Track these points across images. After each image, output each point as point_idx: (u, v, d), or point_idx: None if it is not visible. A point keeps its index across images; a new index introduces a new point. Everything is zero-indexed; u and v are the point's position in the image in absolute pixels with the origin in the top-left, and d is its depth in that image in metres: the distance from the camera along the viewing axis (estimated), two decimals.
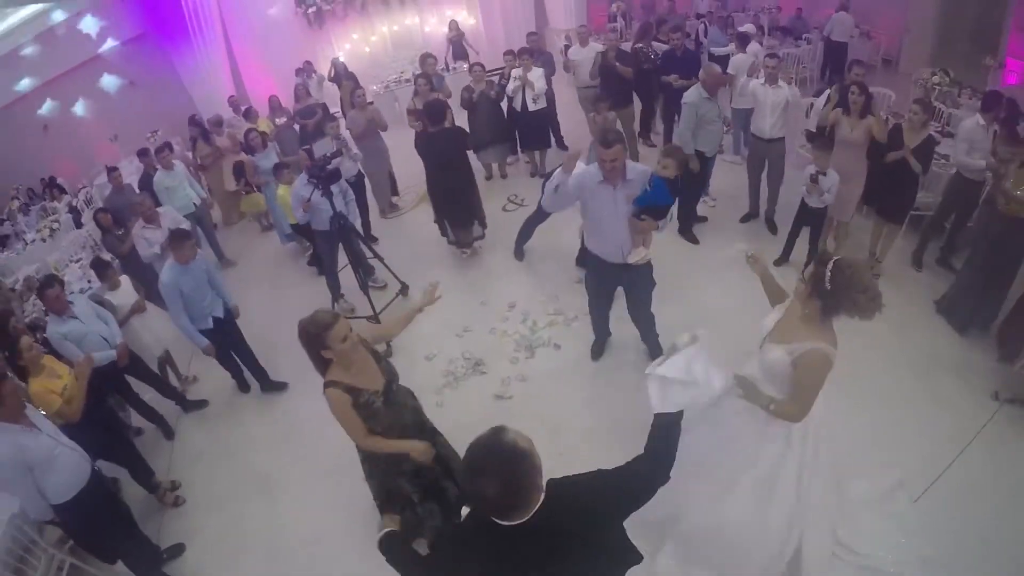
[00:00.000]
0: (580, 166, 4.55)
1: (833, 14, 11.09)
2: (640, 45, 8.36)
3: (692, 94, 6.22)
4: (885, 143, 5.39)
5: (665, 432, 2.30)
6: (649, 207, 4.12)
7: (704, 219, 7.00)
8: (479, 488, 1.80)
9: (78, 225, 9.27)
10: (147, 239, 5.83)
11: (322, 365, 3.07)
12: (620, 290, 4.88)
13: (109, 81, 12.39)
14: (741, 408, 3.17)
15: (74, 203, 10.22)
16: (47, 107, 11.97)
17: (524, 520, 1.86)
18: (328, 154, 5.59)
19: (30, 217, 10.46)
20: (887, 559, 3.48)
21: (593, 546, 2.01)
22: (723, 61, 10.12)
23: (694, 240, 6.75)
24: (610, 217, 4.24)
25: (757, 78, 6.59)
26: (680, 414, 2.35)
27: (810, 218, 5.73)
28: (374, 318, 5.78)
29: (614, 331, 5.27)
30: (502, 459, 1.81)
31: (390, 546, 2.33)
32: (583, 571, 2.02)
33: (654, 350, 5.05)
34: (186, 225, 6.23)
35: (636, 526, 2.24)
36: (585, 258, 6.07)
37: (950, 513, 3.73)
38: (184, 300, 4.90)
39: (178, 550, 4.41)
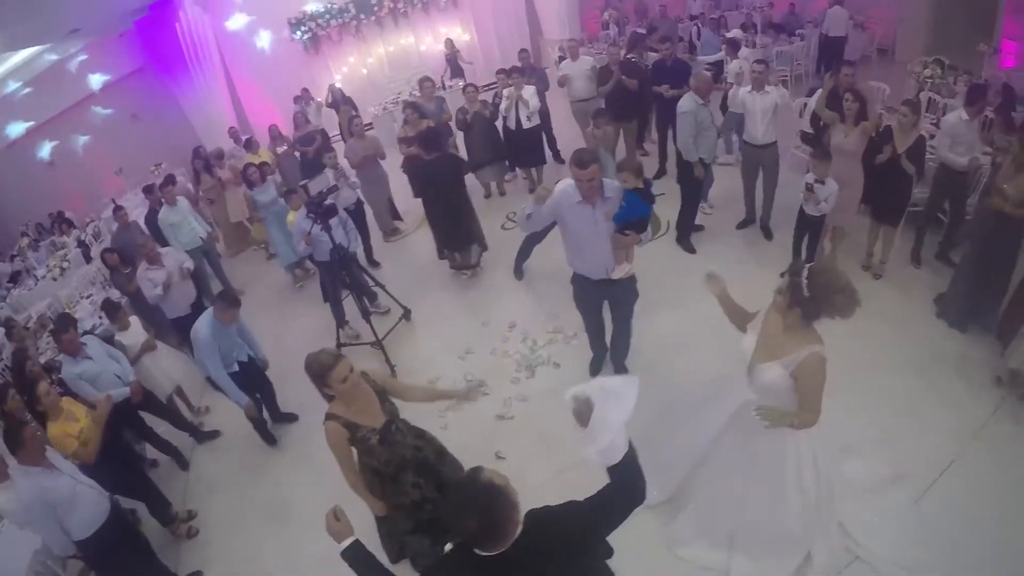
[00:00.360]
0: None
1: (827, 8, 11.14)
2: (631, 56, 8.46)
3: (688, 102, 6.27)
4: (876, 145, 5.44)
5: (624, 470, 2.32)
6: (629, 221, 4.18)
7: (701, 228, 7.08)
8: (460, 525, 2.00)
9: (87, 259, 9.46)
10: (151, 279, 5.91)
11: (328, 397, 3.23)
12: None
13: (112, 115, 12.62)
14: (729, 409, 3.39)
15: (83, 237, 10.41)
16: (52, 143, 12.21)
17: (503, 550, 2.03)
18: (324, 190, 5.72)
19: (40, 253, 10.67)
20: (881, 557, 3.57)
21: (572, 569, 2.18)
22: (717, 63, 10.27)
23: (691, 250, 6.82)
24: (591, 236, 4.25)
25: (744, 85, 6.62)
26: (634, 455, 2.34)
27: (809, 225, 5.79)
28: (377, 344, 5.90)
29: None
30: (480, 498, 1.99)
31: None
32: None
33: (619, 365, 5.21)
34: (189, 264, 6.37)
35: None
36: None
37: (951, 514, 3.77)
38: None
39: None
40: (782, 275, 3.07)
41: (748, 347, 3.24)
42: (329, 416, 3.18)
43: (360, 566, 2.55)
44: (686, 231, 6.86)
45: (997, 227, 4.78)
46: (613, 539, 2.38)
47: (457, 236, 6.80)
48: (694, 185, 6.66)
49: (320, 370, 3.10)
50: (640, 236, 4.27)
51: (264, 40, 12.90)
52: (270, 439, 5.59)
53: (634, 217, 4.17)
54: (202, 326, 4.82)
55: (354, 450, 3.29)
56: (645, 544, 3.73)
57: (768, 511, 3.46)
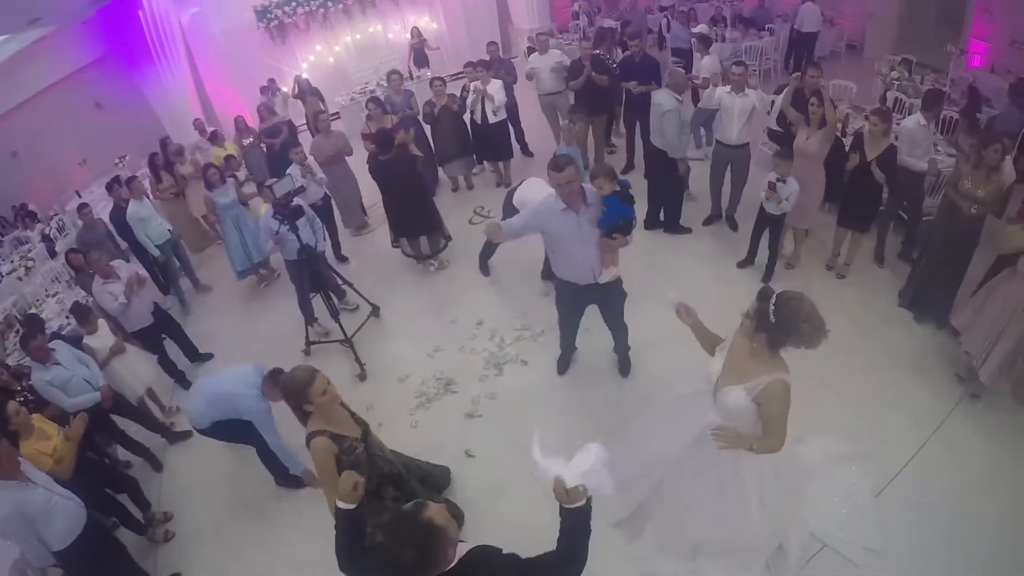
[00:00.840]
0: (536, 196, 4.75)
1: (799, 4, 11.19)
2: (598, 52, 8.53)
3: (668, 100, 6.34)
4: (845, 152, 5.60)
5: (576, 532, 2.37)
6: (614, 224, 4.25)
7: (689, 230, 7.14)
8: (398, 553, 2.14)
9: (52, 255, 9.33)
10: (111, 292, 5.81)
11: (303, 416, 3.24)
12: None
13: (75, 105, 12.32)
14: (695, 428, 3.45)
15: (47, 231, 10.25)
16: (14, 134, 11.92)
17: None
18: (290, 191, 5.73)
19: (3, 248, 10.48)
20: (849, 542, 3.77)
21: None
22: (686, 54, 10.36)
23: (686, 230, 7.08)
24: (578, 242, 4.30)
25: (723, 85, 6.58)
26: (589, 512, 2.39)
27: (769, 223, 5.92)
28: (347, 342, 5.97)
29: (578, 344, 5.45)
30: (420, 534, 2.14)
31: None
32: None
33: (623, 360, 5.32)
34: (143, 272, 6.40)
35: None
36: (550, 277, 6.32)
37: (909, 509, 3.97)
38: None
39: None
40: (763, 281, 3.07)
41: (715, 370, 3.27)
42: (314, 433, 3.18)
43: (348, 527, 2.64)
44: (675, 219, 7.02)
45: (954, 226, 4.96)
46: None
47: (413, 225, 6.92)
48: (676, 178, 6.81)
49: (299, 386, 3.14)
50: (627, 238, 4.36)
51: (229, 28, 12.67)
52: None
53: (618, 220, 4.24)
54: (260, 404, 4.38)
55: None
56: (611, 562, 3.84)
57: (731, 525, 3.55)
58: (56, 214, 11.11)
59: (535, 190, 5.66)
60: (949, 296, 5.20)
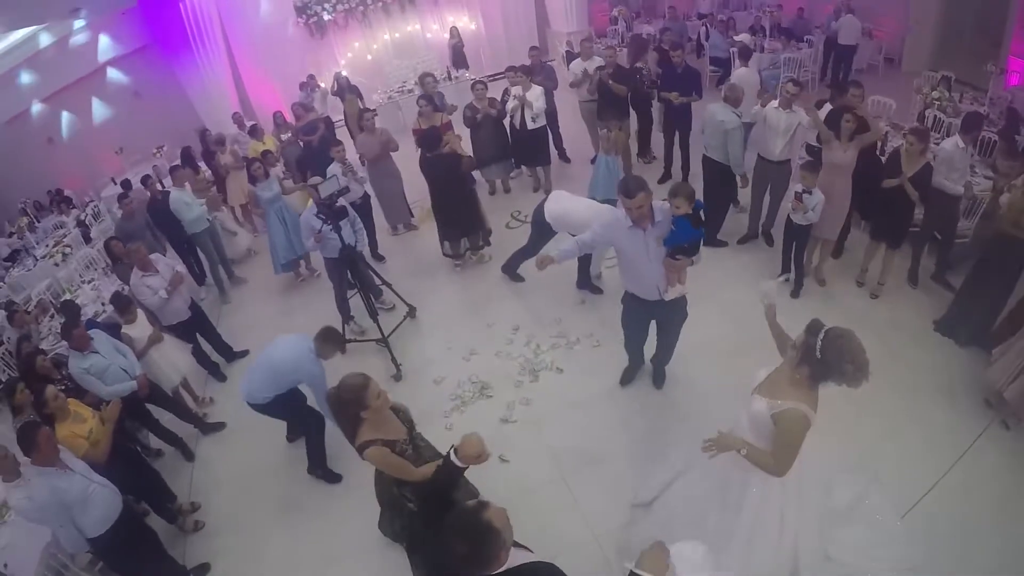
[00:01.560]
0: (571, 208, 4.89)
1: (837, 15, 11.03)
2: (639, 64, 8.46)
3: (731, 117, 6.35)
4: (882, 168, 5.51)
5: None
6: (680, 246, 4.22)
7: (725, 244, 7.06)
8: (452, 546, 2.15)
9: (87, 240, 9.45)
10: (149, 287, 5.86)
11: (352, 428, 3.20)
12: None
13: (114, 93, 12.50)
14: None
15: (82, 217, 10.39)
16: (52, 120, 12.09)
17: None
18: (335, 192, 5.72)
19: (38, 232, 10.62)
20: (871, 567, 3.65)
21: None
22: (724, 63, 10.26)
23: (723, 243, 7.02)
24: (643, 259, 4.30)
25: (772, 102, 6.40)
26: None
27: (796, 235, 5.87)
28: (383, 341, 5.96)
29: (608, 356, 5.42)
30: (476, 531, 2.15)
31: None
32: None
33: (659, 373, 5.29)
34: (182, 268, 6.38)
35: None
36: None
37: (935, 528, 3.90)
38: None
39: (204, 570, 4.63)
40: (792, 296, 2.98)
41: (760, 376, 3.29)
42: (365, 445, 3.16)
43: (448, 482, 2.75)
44: (713, 235, 6.93)
45: (1000, 249, 4.89)
46: None
47: (455, 225, 6.94)
48: (731, 192, 6.81)
49: (356, 391, 3.11)
50: (692, 259, 4.32)
51: (270, 23, 12.76)
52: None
53: (685, 242, 4.20)
54: (319, 366, 4.63)
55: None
56: None
57: (751, 543, 3.47)
58: (91, 200, 11.24)
59: (563, 203, 5.76)
60: (990, 320, 5.13)
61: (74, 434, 4.31)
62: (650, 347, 5.17)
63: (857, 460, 4.25)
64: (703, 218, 4.25)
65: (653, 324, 4.92)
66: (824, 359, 2.87)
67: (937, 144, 6.30)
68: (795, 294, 6.04)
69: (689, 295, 5.18)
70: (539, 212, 6.02)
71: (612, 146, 6.68)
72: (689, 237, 4.19)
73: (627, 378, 5.41)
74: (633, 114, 8.52)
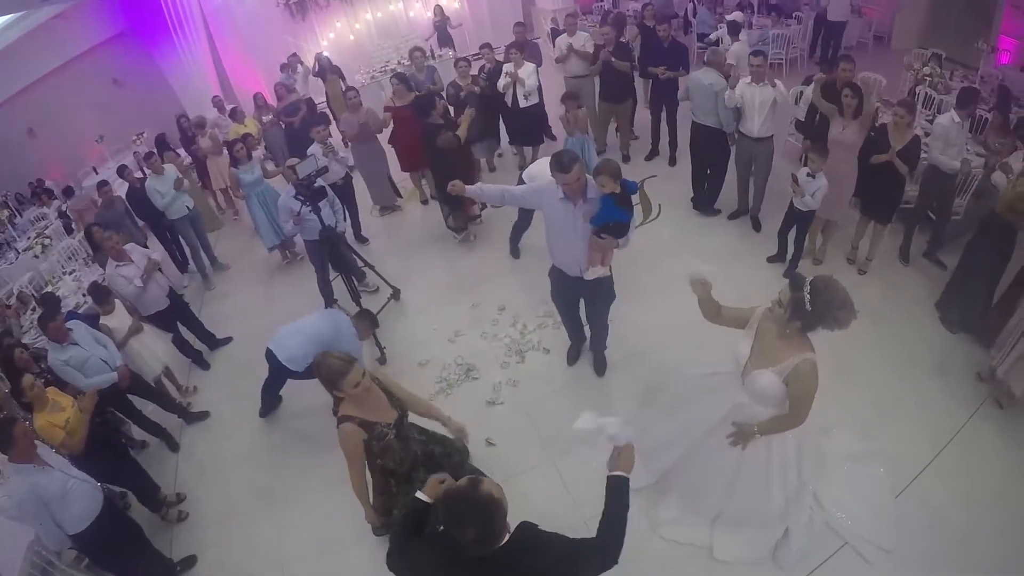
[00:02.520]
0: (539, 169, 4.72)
1: None
2: (622, 40, 8.33)
3: (718, 79, 6.34)
4: (872, 143, 5.43)
5: (616, 507, 2.42)
6: (606, 225, 4.10)
7: (719, 211, 7.07)
8: (460, 533, 2.12)
9: (68, 231, 9.32)
10: (124, 276, 5.77)
11: (336, 400, 3.23)
12: None
13: (92, 81, 12.25)
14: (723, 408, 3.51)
15: (63, 208, 10.23)
16: (31, 110, 11.87)
17: (488, 553, 2.17)
18: (313, 172, 5.61)
19: (20, 225, 10.46)
20: (859, 535, 3.76)
21: None
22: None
23: (717, 212, 7.05)
24: (569, 233, 4.23)
25: (744, 78, 6.34)
26: (627, 484, 2.47)
27: (798, 218, 5.78)
28: None
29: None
30: (480, 509, 2.11)
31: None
32: None
33: (598, 359, 5.24)
34: (157, 256, 6.23)
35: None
36: (515, 250, 6.28)
37: (928, 508, 3.89)
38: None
39: (190, 562, 4.57)
40: (784, 275, 3.07)
41: (743, 352, 3.30)
42: (344, 418, 3.15)
43: (415, 520, 2.58)
44: (711, 203, 6.97)
45: (992, 231, 4.87)
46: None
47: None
48: (723, 158, 6.75)
49: (331, 375, 3.08)
50: (618, 241, 4.19)
51: (249, 5, 12.54)
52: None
53: (610, 221, 4.07)
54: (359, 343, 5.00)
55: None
56: (632, 527, 3.78)
57: (752, 496, 3.63)
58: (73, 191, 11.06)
59: (540, 166, 5.55)
60: (985, 301, 5.07)
61: (51, 423, 4.28)
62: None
63: (854, 435, 4.27)
64: (630, 200, 4.09)
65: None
66: (815, 310, 2.94)
67: (929, 121, 6.22)
68: (788, 273, 5.92)
69: (665, 266, 5.11)
70: (520, 180, 5.84)
71: (574, 126, 6.60)
72: (614, 217, 4.06)
73: (572, 357, 5.40)
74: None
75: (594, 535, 2.35)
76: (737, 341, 3.37)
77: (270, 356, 4.99)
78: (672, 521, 3.97)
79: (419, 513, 2.54)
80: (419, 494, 2.57)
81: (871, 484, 4.00)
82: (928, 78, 7.88)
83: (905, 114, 5.22)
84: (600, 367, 5.25)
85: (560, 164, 3.89)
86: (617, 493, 2.44)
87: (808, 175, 5.40)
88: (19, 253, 9.11)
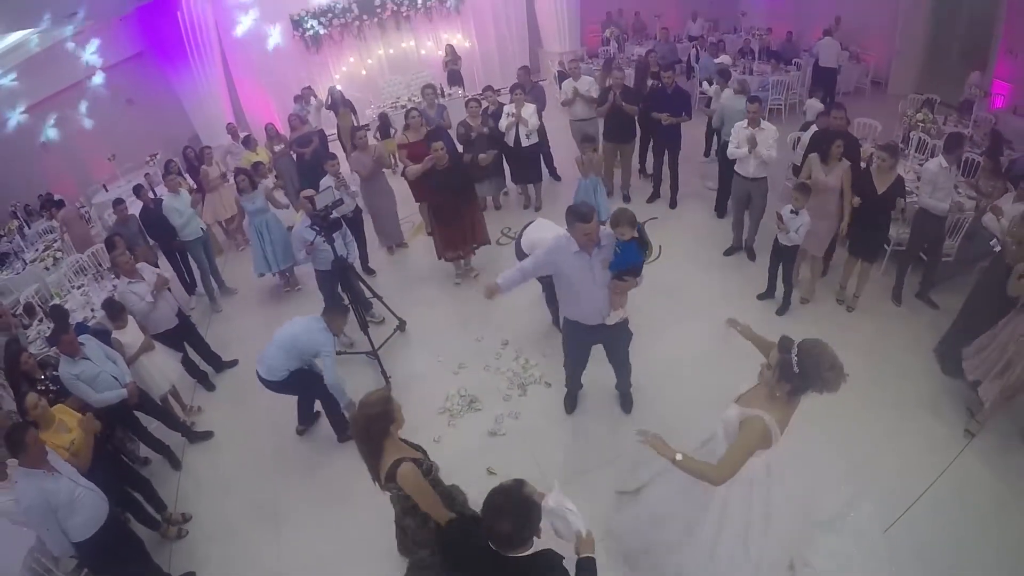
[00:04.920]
0: (547, 237, 4.77)
1: (822, 36, 11.34)
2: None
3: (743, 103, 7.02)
4: (858, 186, 5.68)
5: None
6: (625, 268, 4.28)
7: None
8: (495, 524, 2.29)
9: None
10: (136, 293, 5.92)
11: (377, 450, 3.11)
12: None
13: (107, 99, 12.46)
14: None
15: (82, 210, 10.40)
16: (45, 124, 12.05)
17: (518, 556, 2.34)
18: (330, 204, 5.80)
19: (28, 237, 10.57)
20: None
21: None
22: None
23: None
24: (588, 283, 4.32)
25: (742, 121, 6.75)
26: (594, 561, 2.63)
27: (783, 254, 6.02)
28: (373, 354, 6.03)
29: (592, 373, 5.39)
30: (518, 505, 2.31)
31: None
32: None
33: (625, 397, 5.34)
34: (165, 274, 6.38)
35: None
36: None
37: (919, 543, 4.01)
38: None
39: None
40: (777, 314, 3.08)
41: (741, 389, 3.38)
42: (398, 461, 3.05)
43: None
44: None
45: (997, 279, 4.85)
46: None
47: (454, 231, 7.01)
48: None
49: (384, 405, 3.06)
50: (637, 280, 4.38)
51: (265, 35, 12.84)
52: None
53: (630, 264, 4.28)
54: (329, 335, 5.09)
55: None
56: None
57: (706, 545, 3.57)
58: (83, 206, 11.21)
59: (544, 232, 5.67)
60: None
61: (55, 444, 4.24)
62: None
63: (843, 474, 4.28)
64: (648, 241, 4.33)
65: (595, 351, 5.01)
66: (803, 372, 2.96)
67: (921, 165, 6.48)
68: (781, 312, 6.20)
69: (674, 311, 5.22)
70: (518, 240, 5.95)
71: (589, 168, 6.83)
72: (634, 259, 4.28)
73: (570, 405, 5.46)
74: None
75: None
76: (729, 372, 3.50)
77: (258, 376, 5.17)
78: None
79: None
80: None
81: (860, 524, 3.99)
82: (921, 124, 8.21)
83: (887, 157, 5.49)
84: (627, 405, 5.33)
85: (580, 215, 4.01)
86: (587, 572, 2.60)
87: (792, 212, 5.64)
88: (26, 264, 9.20)
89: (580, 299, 4.48)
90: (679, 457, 3.13)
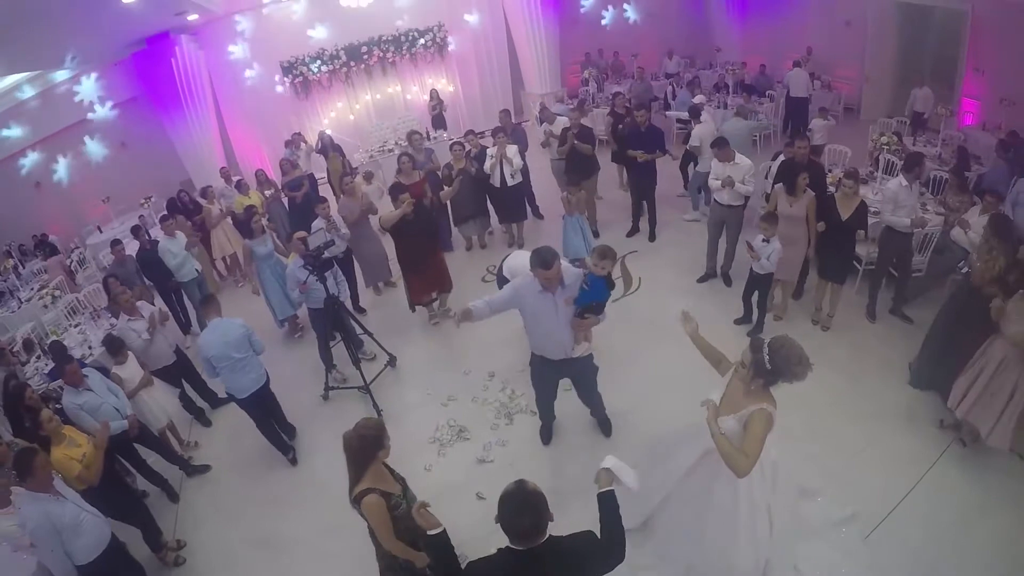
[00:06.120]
0: (518, 263, 5.07)
1: (792, 68, 11.85)
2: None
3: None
4: (823, 212, 6.04)
5: (611, 514, 2.92)
6: (588, 305, 4.54)
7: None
8: (517, 523, 2.56)
9: (71, 286, 9.65)
10: (134, 330, 6.18)
11: (359, 473, 3.33)
12: None
13: (101, 141, 12.75)
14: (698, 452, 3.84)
15: (69, 263, 10.60)
16: (39, 165, 12.26)
17: (536, 544, 2.60)
18: (323, 244, 6.11)
19: (23, 276, 10.74)
20: None
21: None
22: (688, 121, 10.86)
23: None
24: (551, 321, 4.53)
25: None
26: (614, 496, 2.97)
27: (758, 283, 6.35)
28: (365, 388, 6.27)
29: (571, 403, 5.62)
30: (531, 501, 2.59)
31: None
32: None
33: (603, 423, 5.60)
34: (164, 311, 6.75)
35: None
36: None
37: (899, 548, 4.22)
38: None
39: None
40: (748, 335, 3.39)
41: (715, 399, 3.67)
42: (367, 491, 3.26)
43: (441, 551, 2.97)
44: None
45: (969, 299, 5.03)
46: None
47: (420, 277, 7.26)
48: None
49: (378, 431, 3.30)
50: (598, 317, 4.68)
51: (256, 82, 13.22)
52: (287, 449, 6.05)
53: (595, 300, 4.56)
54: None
55: None
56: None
57: (720, 548, 3.87)
58: (77, 247, 11.44)
59: (523, 259, 5.86)
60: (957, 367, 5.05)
61: (68, 456, 4.53)
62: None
63: (823, 484, 4.54)
64: (613, 281, 4.69)
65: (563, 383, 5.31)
66: (774, 368, 3.33)
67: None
68: (754, 333, 6.44)
69: (655, 337, 5.41)
70: (499, 272, 6.25)
71: (574, 207, 7.19)
72: (599, 296, 4.57)
73: (546, 436, 5.66)
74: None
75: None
76: (709, 391, 3.76)
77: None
78: (647, 567, 4.20)
79: (446, 545, 2.95)
80: (430, 532, 2.95)
81: (848, 543, 4.24)
82: (886, 147, 8.66)
83: (853, 184, 5.86)
84: (607, 429, 5.58)
85: (543, 262, 4.20)
86: (609, 504, 2.94)
87: (763, 240, 5.98)
88: (22, 302, 9.38)
89: (544, 335, 4.70)
90: (720, 436, 3.46)
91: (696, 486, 3.93)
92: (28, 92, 11.59)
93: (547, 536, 2.64)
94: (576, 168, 8.53)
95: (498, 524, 2.60)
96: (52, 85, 11.79)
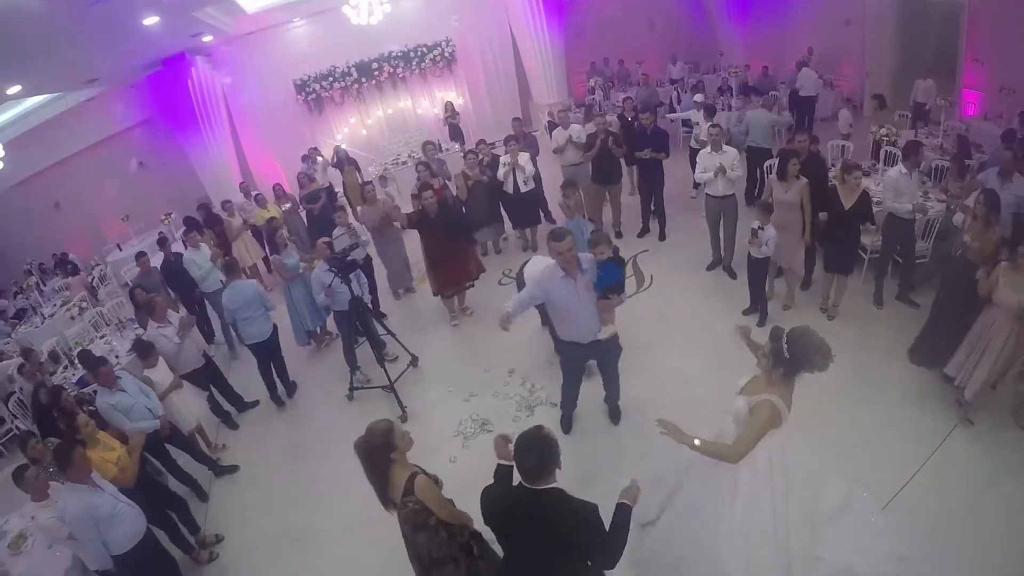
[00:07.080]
0: (537, 268, 5.24)
1: (796, 70, 12.06)
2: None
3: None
4: (826, 203, 6.14)
5: (622, 525, 3.04)
6: (608, 286, 4.73)
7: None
8: (524, 460, 2.85)
9: (93, 302, 9.86)
10: (165, 335, 6.32)
11: (384, 476, 3.35)
12: None
13: (120, 162, 13.05)
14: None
15: (90, 280, 10.82)
16: (58, 185, 12.54)
17: (543, 488, 2.87)
18: (347, 247, 6.31)
19: (45, 293, 10.98)
20: (860, 561, 3.98)
21: (560, 544, 2.94)
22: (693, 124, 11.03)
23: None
24: (577, 305, 4.74)
25: (706, 147, 7.37)
26: (630, 511, 3.10)
27: (757, 267, 6.49)
28: (389, 387, 6.42)
29: (588, 396, 5.76)
30: (540, 442, 2.87)
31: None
32: (549, 556, 2.97)
33: (614, 411, 5.75)
34: (191, 317, 7.07)
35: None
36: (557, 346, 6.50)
37: (917, 517, 4.30)
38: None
39: None
40: (758, 325, 3.46)
41: (743, 381, 3.75)
42: (413, 475, 3.31)
43: (506, 476, 3.30)
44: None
45: (961, 274, 5.13)
46: None
47: (447, 271, 7.46)
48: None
49: (385, 436, 3.29)
50: (621, 296, 4.87)
51: (270, 100, 13.52)
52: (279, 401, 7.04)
53: (612, 282, 4.75)
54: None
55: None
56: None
57: (707, 543, 3.83)
58: (97, 264, 11.67)
59: (541, 264, 6.02)
60: (956, 342, 5.18)
61: (104, 459, 4.65)
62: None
63: (836, 468, 4.51)
64: (622, 258, 4.89)
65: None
66: (793, 356, 3.37)
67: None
68: (761, 323, 6.55)
69: (668, 331, 5.51)
70: (520, 273, 6.47)
71: (572, 210, 7.35)
72: (614, 276, 4.76)
73: (566, 426, 5.76)
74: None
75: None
76: (714, 386, 3.89)
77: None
78: (641, 561, 4.24)
79: (508, 474, 3.24)
80: (500, 461, 3.33)
81: (859, 514, 4.20)
82: (885, 138, 8.78)
83: (860, 175, 5.98)
84: (616, 417, 5.73)
85: (555, 235, 4.53)
86: (623, 516, 3.07)
87: (760, 228, 6.13)
88: (45, 318, 9.59)
89: (571, 320, 4.90)
90: (697, 442, 3.49)
91: (696, 481, 3.98)
92: (49, 113, 11.84)
93: (555, 485, 2.85)
94: (604, 172, 8.72)
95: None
96: (72, 106, 12.05)
